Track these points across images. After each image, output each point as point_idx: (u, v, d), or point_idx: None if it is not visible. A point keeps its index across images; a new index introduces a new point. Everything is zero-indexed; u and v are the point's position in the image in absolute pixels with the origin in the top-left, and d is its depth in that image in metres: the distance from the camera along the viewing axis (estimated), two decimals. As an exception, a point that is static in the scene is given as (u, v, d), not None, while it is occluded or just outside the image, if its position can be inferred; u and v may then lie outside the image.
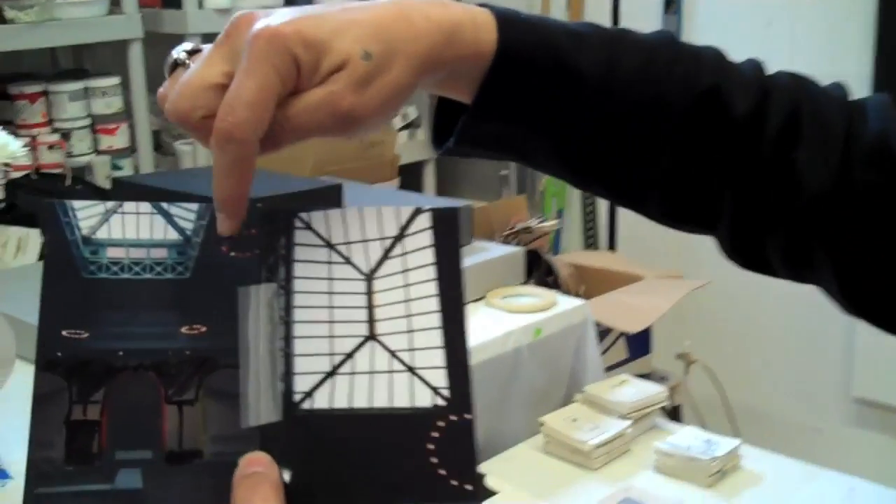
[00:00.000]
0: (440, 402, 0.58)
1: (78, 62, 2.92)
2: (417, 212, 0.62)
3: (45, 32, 2.47)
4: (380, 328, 0.60)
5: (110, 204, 0.60)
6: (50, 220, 0.60)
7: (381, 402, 0.58)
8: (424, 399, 0.58)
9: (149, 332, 0.58)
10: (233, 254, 0.60)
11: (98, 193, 2.11)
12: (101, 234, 0.60)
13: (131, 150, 2.68)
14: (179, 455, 0.57)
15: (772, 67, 0.73)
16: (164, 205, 0.60)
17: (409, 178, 2.72)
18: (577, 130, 0.67)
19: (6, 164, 2.33)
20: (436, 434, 0.57)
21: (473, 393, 0.59)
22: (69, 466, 0.56)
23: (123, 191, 1.77)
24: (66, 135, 2.55)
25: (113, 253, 0.60)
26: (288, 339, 0.59)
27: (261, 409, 0.58)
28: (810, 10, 2.81)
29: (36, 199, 2.07)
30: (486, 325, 1.64)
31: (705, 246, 0.79)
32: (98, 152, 2.63)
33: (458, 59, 0.62)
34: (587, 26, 0.68)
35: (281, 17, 0.58)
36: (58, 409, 0.56)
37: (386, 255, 0.61)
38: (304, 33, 0.57)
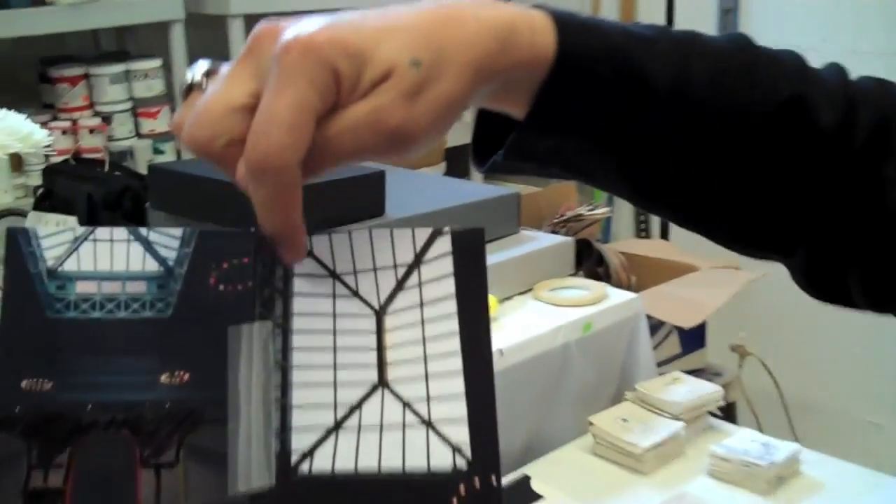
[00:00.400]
0: (462, 463, 0.49)
1: (120, 44, 2.85)
2: (436, 234, 0.52)
3: (87, 14, 2.40)
4: (392, 373, 0.50)
5: (80, 230, 0.51)
6: (10, 250, 0.51)
7: (392, 464, 0.49)
8: (443, 460, 0.49)
9: (123, 382, 0.50)
10: (222, 287, 0.51)
11: (135, 179, 2.04)
12: (69, 266, 0.51)
13: (173, 134, 2.60)
14: None
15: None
16: (143, 231, 0.51)
17: (455, 162, 2.61)
18: (642, 145, 0.57)
19: (47, 147, 2.27)
20: (456, 502, 0.48)
21: (500, 451, 0.49)
22: None
23: (159, 178, 1.69)
24: (107, 118, 2.48)
25: (83, 288, 0.51)
26: (285, 387, 0.50)
27: (252, 472, 0.49)
28: (871, 26, 2.65)
29: (75, 184, 2.00)
30: (532, 320, 1.54)
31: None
32: (139, 136, 2.56)
33: (513, 66, 0.52)
34: (652, 29, 0.57)
35: (312, 24, 0.48)
36: (14, 477, 0.48)
37: (399, 286, 0.52)
38: (343, 41, 0.48)
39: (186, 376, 0.50)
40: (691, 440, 1.50)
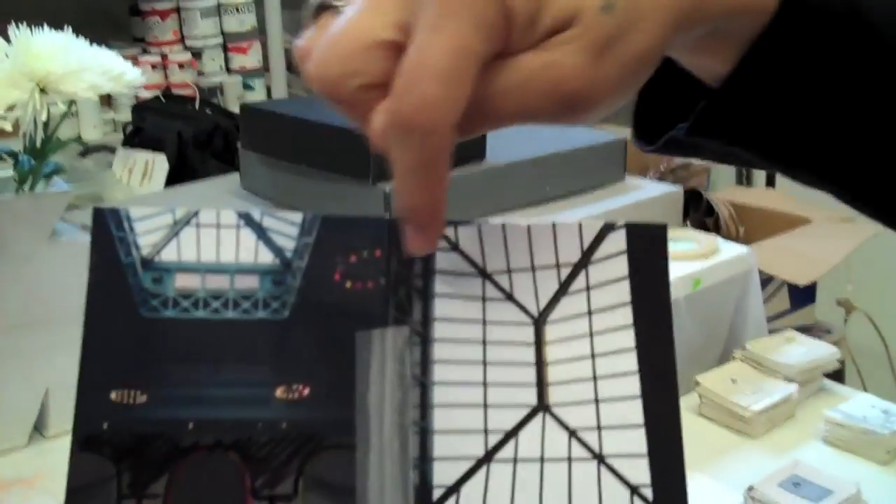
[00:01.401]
0: None
1: (211, -24, 2.75)
2: (608, 229, 0.42)
3: (178, -54, 2.31)
4: (554, 395, 0.40)
5: (181, 213, 0.42)
6: (98, 234, 0.41)
7: None
8: (619, 502, 0.39)
9: (230, 396, 0.40)
10: (349, 284, 0.41)
11: (226, 117, 1.95)
12: (168, 256, 0.41)
13: (263, 69, 2.51)
14: None
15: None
16: (256, 215, 0.42)
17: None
18: (864, 112, 0.44)
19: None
20: None
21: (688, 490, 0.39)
22: None
23: (252, 117, 1.60)
24: (196, 53, 2.40)
25: (183, 282, 0.41)
26: (424, 408, 0.40)
27: None
28: None
29: (164, 122, 1.92)
30: (637, 274, 1.43)
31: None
32: (229, 72, 2.47)
33: (727, 11, 0.40)
34: None
35: None
36: None
37: (563, 290, 0.41)
38: None
39: (306, 391, 0.40)
40: (803, 403, 1.39)
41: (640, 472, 0.39)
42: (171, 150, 1.83)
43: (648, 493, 0.39)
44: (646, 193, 1.54)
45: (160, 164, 1.82)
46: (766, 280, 1.61)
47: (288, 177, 1.46)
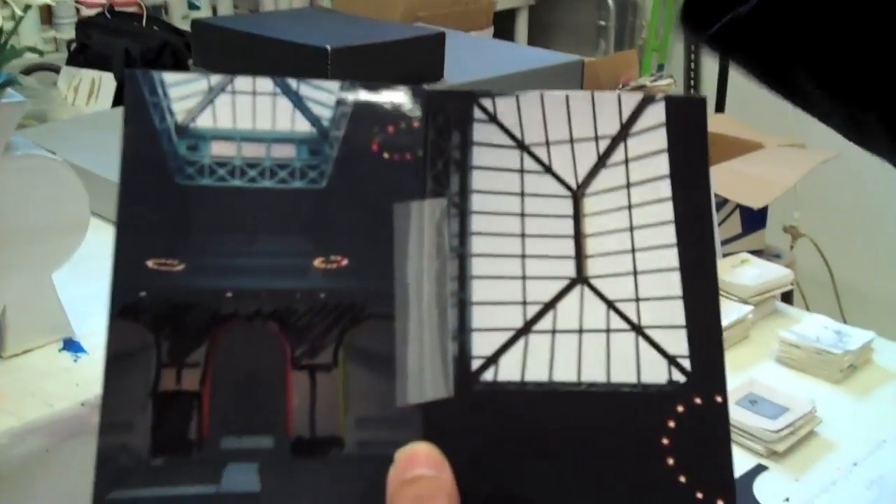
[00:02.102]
0: (680, 377, 0.39)
1: None
2: (647, 101, 0.41)
3: None
4: (593, 267, 0.40)
5: (216, 79, 0.40)
6: (132, 99, 0.40)
7: (593, 374, 0.39)
8: (657, 373, 0.39)
9: (268, 265, 0.40)
10: (386, 155, 0.41)
11: (175, 34, 1.90)
12: (203, 123, 0.40)
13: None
14: (311, 444, 0.38)
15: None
16: (293, 83, 0.41)
17: (501, 26, 2.46)
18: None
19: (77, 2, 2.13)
20: (672, 424, 0.39)
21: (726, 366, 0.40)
22: (157, 460, 0.38)
23: (204, 34, 1.57)
24: (140, -30, 2.33)
25: (219, 150, 0.40)
26: (463, 280, 0.40)
27: (425, 380, 0.39)
28: None
29: (110, 39, 1.87)
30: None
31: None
32: (174, -10, 2.41)
33: None
34: None
35: None
36: (141, 376, 0.38)
37: (601, 163, 0.41)
38: None
39: (344, 262, 0.40)
40: (758, 324, 1.42)
41: (677, 343, 0.40)
42: (118, 67, 1.79)
43: (686, 363, 0.39)
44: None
45: (107, 82, 1.77)
46: (719, 203, 1.63)
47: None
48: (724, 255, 1.51)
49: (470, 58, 1.58)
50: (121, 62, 1.81)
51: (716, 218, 1.50)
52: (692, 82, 2.88)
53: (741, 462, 1.14)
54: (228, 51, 1.48)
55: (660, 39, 2.77)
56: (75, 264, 1.06)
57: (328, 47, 1.26)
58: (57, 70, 1.89)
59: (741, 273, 1.42)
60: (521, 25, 2.86)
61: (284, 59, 1.33)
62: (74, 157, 1.23)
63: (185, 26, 2.24)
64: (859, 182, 2.54)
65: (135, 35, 1.86)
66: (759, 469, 1.13)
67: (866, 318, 1.56)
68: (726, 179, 1.58)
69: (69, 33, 2.08)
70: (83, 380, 1.00)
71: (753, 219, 1.70)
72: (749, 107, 2.59)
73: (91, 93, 1.79)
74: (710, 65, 2.84)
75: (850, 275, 2.33)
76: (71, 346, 1.08)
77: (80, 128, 1.55)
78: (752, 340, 1.39)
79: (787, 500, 1.07)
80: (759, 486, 1.11)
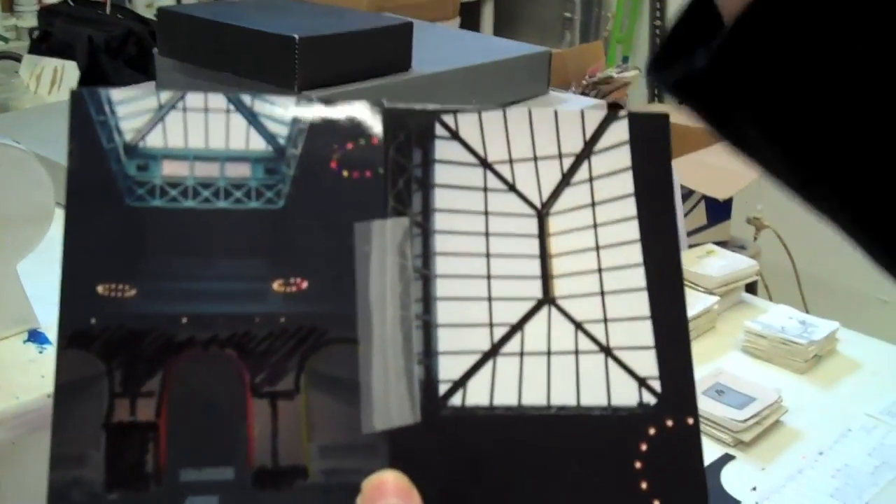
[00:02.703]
0: (650, 398, 0.38)
1: None
2: (611, 118, 0.40)
3: None
4: (559, 288, 0.39)
5: (165, 95, 0.39)
6: (77, 118, 0.38)
7: (563, 398, 0.38)
8: (628, 395, 0.38)
9: (225, 289, 0.38)
10: (345, 173, 0.39)
11: (139, 22, 1.87)
12: (153, 142, 0.39)
13: (172, -25, 2.41)
14: (274, 474, 0.37)
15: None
16: (247, 98, 0.39)
17: (467, 17, 2.44)
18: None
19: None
20: (645, 447, 0.38)
21: (696, 387, 0.38)
22: (112, 494, 0.36)
23: (169, 22, 1.53)
24: (103, -43, 2.29)
25: (170, 170, 0.39)
26: (427, 301, 0.39)
27: (391, 406, 0.38)
28: None
29: (73, 27, 1.83)
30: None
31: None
32: (137, -23, 2.38)
33: None
34: None
35: None
36: (93, 406, 0.36)
37: (566, 181, 0.40)
38: None
39: (304, 284, 0.38)
40: (723, 315, 1.42)
41: (647, 364, 0.38)
42: (81, 56, 1.75)
43: (656, 385, 0.38)
44: (568, 107, 1.53)
45: (70, 70, 1.74)
46: (685, 195, 1.63)
47: (208, 85, 1.40)
48: (690, 246, 1.51)
49: (437, 48, 1.56)
50: (84, 50, 1.78)
51: (681, 211, 1.49)
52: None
53: (708, 452, 1.13)
54: (194, 39, 1.45)
55: (624, 31, 2.75)
56: (40, 255, 1.03)
57: (296, 36, 1.23)
58: (18, 59, 1.86)
59: (707, 264, 1.42)
60: (487, 17, 2.83)
61: (251, 48, 1.30)
62: (37, 147, 1.20)
63: (150, 14, 2.21)
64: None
65: (98, 23, 1.83)
66: (727, 458, 1.13)
67: (828, 308, 1.56)
68: (691, 170, 1.57)
69: (31, 21, 2.04)
70: (49, 371, 0.98)
71: (718, 210, 1.69)
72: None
73: (54, 81, 1.76)
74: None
75: (813, 266, 2.33)
76: (36, 337, 1.05)
77: (43, 117, 1.52)
78: (718, 331, 1.39)
79: (754, 489, 1.07)
80: (727, 476, 1.11)
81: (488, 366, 0.38)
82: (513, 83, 1.52)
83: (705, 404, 1.15)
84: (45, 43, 1.82)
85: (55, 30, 1.81)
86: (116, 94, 0.38)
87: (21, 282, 1.04)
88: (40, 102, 1.71)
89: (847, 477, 1.10)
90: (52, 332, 1.08)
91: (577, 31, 2.89)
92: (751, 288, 1.70)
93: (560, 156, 0.40)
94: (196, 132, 0.39)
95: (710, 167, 1.60)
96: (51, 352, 1.05)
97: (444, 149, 0.40)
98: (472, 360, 0.38)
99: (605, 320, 0.39)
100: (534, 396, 0.38)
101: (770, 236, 2.03)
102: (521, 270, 0.39)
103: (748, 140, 0.36)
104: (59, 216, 1.04)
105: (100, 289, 0.37)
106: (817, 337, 1.30)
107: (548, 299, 0.39)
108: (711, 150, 1.70)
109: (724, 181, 1.56)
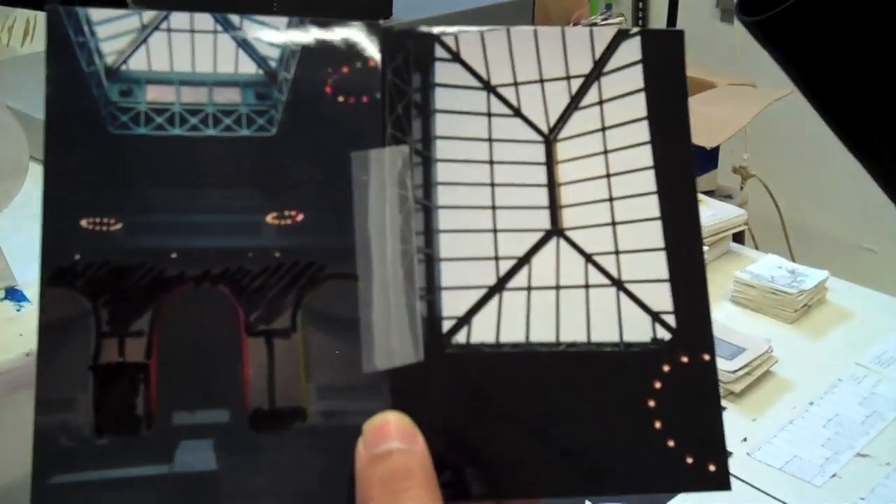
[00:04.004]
0: (664, 334, 0.36)
1: None
2: (621, 36, 0.38)
3: None
4: (568, 218, 0.37)
5: (149, 15, 0.36)
6: (54, 39, 0.36)
7: (573, 334, 0.36)
8: (641, 330, 0.36)
9: (216, 222, 0.36)
10: (341, 98, 0.37)
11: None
12: (136, 65, 0.36)
13: None
14: (270, 416, 0.35)
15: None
16: (235, 19, 0.37)
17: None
18: None
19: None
20: (658, 384, 0.36)
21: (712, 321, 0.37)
22: (101, 439, 0.34)
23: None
24: None
25: (155, 95, 0.36)
26: (429, 234, 0.37)
27: (392, 344, 0.36)
28: None
29: (42, -21, 1.79)
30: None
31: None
32: (107, -72, 2.32)
33: None
34: None
35: None
36: (79, 347, 0.34)
37: (574, 105, 0.38)
38: None
39: (300, 217, 0.36)
40: (712, 265, 1.41)
41: (661, 298, 0.37)
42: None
43: (671, 319, 0.37)
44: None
45: (43, 22, 1.69)
46: (672, 144, 1.61)
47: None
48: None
49: (419, 1, 1.54)
50: (57, 1, 1.74)
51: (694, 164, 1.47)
52: (640, 22, 2.85)
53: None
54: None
55: (608, -23, 2.73)
56: (15, 210, 1.01)
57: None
58: (-14, 12, 1.81)
59: (695, 213, 1.40)
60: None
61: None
62: (10, 100, 1.17)
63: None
64: (807, 123, 2.52)
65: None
66: (717, 410, 1.12)
67: (815, 257, 1.55)
68: (679, 118, 1.55)
69: (-1, -27, 1.99)
70: (27, 330, 0.96)
71: (705, 159, 1.68)
72: (699, 47, 2.56)
73: (26, 33, 1.72)
74: (658, 3, 2.80)
75: (799, 215, 2.33)
76: (13, 295, 1.03)
77: (16, 69, 1.48)
78: (708, 281, 1.38)
79: (745, 440, 1.06)
80: (717, 428, 1.10)
81: (494, 301, 0.36)
82: (496, 31, 1.49)
83: (695, 355, 1.14)
84: (14, -6, 1.77)
85: (25, -20, 1.76)
86: (96, 13, 0.36)
87: (-3, 238, 1.02)
88: (12, 54, 1.67)
89: (838, 426, 1.09)
90: (29, 290, 1.05)
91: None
92: (738, 237, 1.69)
93: (568, 77, 0.38)
94: (182, 55, 0.36)
95: (697, 115, 1.57)
96: (28, 309, 1.03)
97: (444, 72, 0.37)
98: (476, 295, 0.36)
99: (617, 252, 0.37)
100: (542, 333, 0.36)
101: (756, 185, 2.02)
102: (528, 200, 0.37)
103: (829, 83, 0.37)
104: (33, 170, 1.02)
105: (83, 222, 0.35)
106: (807, 286, 1.29)
107: (556, 230, 0.37)
108: (698, 99, 1.68)
109: (712, 129, 1.54)
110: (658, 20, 2.88)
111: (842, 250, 2.63)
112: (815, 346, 1.24)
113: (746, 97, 1.67)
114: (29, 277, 1.05)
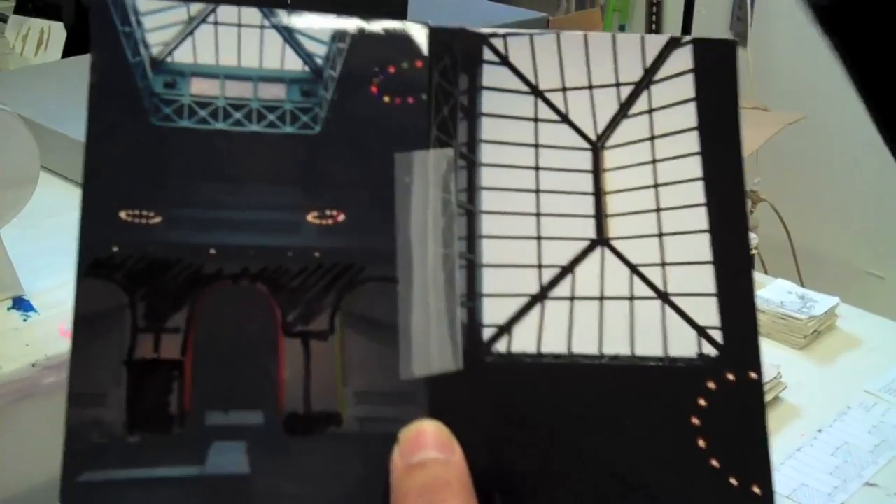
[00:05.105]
0: (710, 350, 0.35)
1: None
2: (673, 44, 0.37)
3: None
4: (614, 228, 0.36)
5: (196, 7, 0.35)
6: (100, 28, 0.35)
7: (616, 346, 0.35)
8: (686, 345, 0.35)
9: (256, 220, 0.35)
10: (386, 98, 0.36)
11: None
12: (182, 57, 0.35)
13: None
14: (305, 420, 0.34)
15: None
16: (283, 15, 0.36)
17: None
18: None
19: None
20: (703, 402, 0.35)
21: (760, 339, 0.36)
22: (133, 436, 0.33)
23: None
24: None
25: (200, 88, 0.35)
26: (472, 239, 0.36)
27: (431, 351, 0.35)
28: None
29: (60, -15, 1.78)
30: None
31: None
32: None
33: None
34: None
35: None
36: (114, 341, 0.33)
37: (623, 112, 0.37)
38: None
39: (341, 217, 0.35)
40: (721, 289, 1.39)
41: (708, 313, 0.36)
42: (68, 17, 1.70)
43: (717, 335, 0.35)
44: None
45: (57, 32, 1.69)
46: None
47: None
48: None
49: (433, 12, 1.53)
50: (71, 11, 1.73)
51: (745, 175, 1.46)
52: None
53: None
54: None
55: (621, -1, 2.73)
56: (25, 220, 1.00)
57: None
58: (5, 19, 1.81)
59: (706, 237, 1.39)
60: (482, -17, 2.79)
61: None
62: (23, 109, 1.16)
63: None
64: (818, 148, 2.52)
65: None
66: (726, 435, 1.11)
67: (824, 283, 1.54)
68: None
69: (17, -21, 1.99)
70: (33, 340, 0.95)
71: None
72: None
73: (40, 43, 1.71)
74: (671, 25, 2.80)
75: (809, 240, 2.31)
76: (20, 304, 1.02)
77: (29, 79, 1.47)
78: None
79: (753, 466, 1.05)
80: (725, 452, 1.08)
81: (536, 310, 0.35)
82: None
83: (705, 378, 1.13)
84: (32, 3, 1.77)
85: (42, -14, 1.76)
86: (143, 4, 0.35)
87: (5, 247, 1.00)
88: (26, 64, 1.67)
89: (846, 455, 1.08)
90: (37, 300, 1.04)
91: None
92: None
93: (618, 84, 0.37)
94: (228, 48, 0.35)
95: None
96: (35, 320, 1.01)
97: (492, 75, 0.37)
98: (518, 303, 0.35)
99: (663, 264, 0.36)
100: (584, 344, 0.35)
101: (766, 210, 2.01)
102: (574, 208, 0.36)
103: (887, 77, 0.37)
104: (44, 180, 1.01)
105: (122, 214, 0.34)
106: (817, 312, 1.28)
107: (602, 240, 0.36)
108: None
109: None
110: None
111: (851, 276, 2.62)
112: (824, 372, 1.23)
113: (758, 121, 1.66)
114: (36, 288, 1.04)
